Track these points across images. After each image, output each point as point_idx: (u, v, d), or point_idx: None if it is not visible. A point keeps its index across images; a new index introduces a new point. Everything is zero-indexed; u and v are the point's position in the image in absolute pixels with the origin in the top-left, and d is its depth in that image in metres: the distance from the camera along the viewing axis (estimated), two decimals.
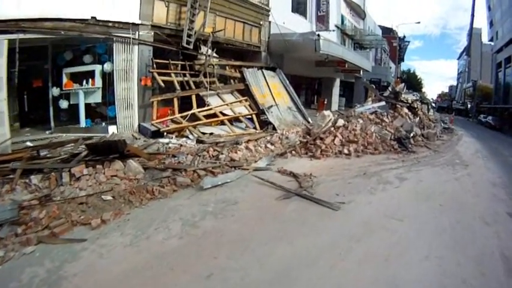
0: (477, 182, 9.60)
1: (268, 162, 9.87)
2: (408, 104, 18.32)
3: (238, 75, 16.70)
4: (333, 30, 26.25)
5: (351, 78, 32.83)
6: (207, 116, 13.78)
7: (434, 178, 9.68)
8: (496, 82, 52.53)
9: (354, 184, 8.38)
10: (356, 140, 12.29)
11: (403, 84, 21.91)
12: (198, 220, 5.77)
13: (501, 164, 13.05)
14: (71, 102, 12.45)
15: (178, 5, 14.15)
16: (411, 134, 14.99)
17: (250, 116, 15.21)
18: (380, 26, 47.96)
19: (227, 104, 15.07)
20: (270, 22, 19.36)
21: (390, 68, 49.78)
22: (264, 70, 17.60)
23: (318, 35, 17.73)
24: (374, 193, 7.84)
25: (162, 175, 7.76)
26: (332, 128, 12.72)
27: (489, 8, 54.56)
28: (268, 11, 19.15)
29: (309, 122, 16.05)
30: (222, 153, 9.86)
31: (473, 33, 58.91)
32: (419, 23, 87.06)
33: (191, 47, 14.14)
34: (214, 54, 15.94)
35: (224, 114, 14.48)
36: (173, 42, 13.94)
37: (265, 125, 14.95)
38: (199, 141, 11.48)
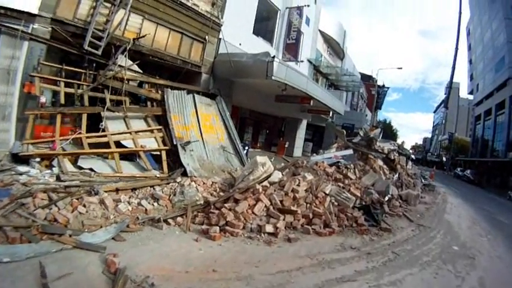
0: None
1: (113, 234, 5.36)
2: (384, 155, 13.14)
3: (158, 97, 11.56)
4: (302, 61, 21.25)
5: (322, 122, 27.75)
6: (98, 145, 9.32)
7: None
8: (473, 135, 50.43)
9: None
10: (293, 209, 6.89)
11: (379, 129, 16.93)
12: None
13: None
14: None
15: None
16: (387, 198, 9.78)
17: (159, 153, 9.96)
18: (360, 73, 43.72)
19: (130, 132, 10.03)
20: (219, 39, 14.39)
21: (366, 115, 45.17)
22: (197, 95, 12.46)
23: (273, 57, 12.66)
24: None
25: None
26: (259, 186, 7.36)
27: (470, 62, 52.72)
28: (219, 25, 14.25)
29: None
30: (55, 206, 5.76)
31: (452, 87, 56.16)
32: (401, 68, 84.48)
33: (99, 52, 10.28)
34: (136, 68, 11.48)
35: (121, 146, 9.58)
36: (75, 43, 9.93)
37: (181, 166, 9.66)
38: (58, 178, 7.32)
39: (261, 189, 7.17)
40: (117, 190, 7.06)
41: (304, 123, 24.91)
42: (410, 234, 8.19)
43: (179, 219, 6.30)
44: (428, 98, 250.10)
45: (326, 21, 26.03)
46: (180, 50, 13.09)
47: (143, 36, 11.49)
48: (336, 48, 30.30)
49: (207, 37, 13.89)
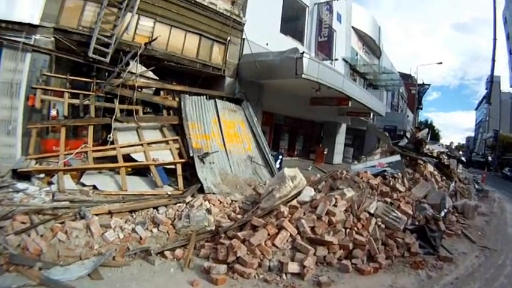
0: None
1: (90, 270, 4.25)
2: (435, 159, 11.18)
3: (175, 104, 10.36)
4: (337, 59, 19.52)
5: (363, 125, 25.64)
6: (105, 159, 8.41)
7: None
8: None
9: None
10: (327, 239, 5.22)
11: (426, 130, 14.89)
12: None
13: None
14: None
15: (98, 4, 9.42)
16: (443, 213, 7.91)
17: (174, 166, 8.71)
18: (398, 72, 40.99)
19: (141, 144, 8.87)
20: (243, 40, 12.99)
21: (408, 116, 42.18)
22: (220, 101, 11.11)
23: (303, 53, 11.08)
24: None
25: None
26: (284, 207, 5.78)
27: (510, 52, 48.10)
28: (241, 24, 12.86)
29: None
30: (35, 231, 4.88)
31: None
32: (441, 63, 79.02)
33: (107, 60, 9.36)
34: (151, 74, 10.43)
35: (131, 160, 8.46)
36: (80, 51, 9.17)
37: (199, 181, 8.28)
38: (53, 197, 6.38)
39: (286, 213, 5.60)
40: (110, 213, 5.78)
41: (343, 127, 22.87)
42: (474, 263, 6.24)
43: (178, 251, 4.89)
44: (468, 95, 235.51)
45: (359, 18, 24.06)
46: (199, 52, 11.80)
47: (154, 40, 10.34)
48: (371, 46, 28.14)
49: (228, 37, 12.53)
